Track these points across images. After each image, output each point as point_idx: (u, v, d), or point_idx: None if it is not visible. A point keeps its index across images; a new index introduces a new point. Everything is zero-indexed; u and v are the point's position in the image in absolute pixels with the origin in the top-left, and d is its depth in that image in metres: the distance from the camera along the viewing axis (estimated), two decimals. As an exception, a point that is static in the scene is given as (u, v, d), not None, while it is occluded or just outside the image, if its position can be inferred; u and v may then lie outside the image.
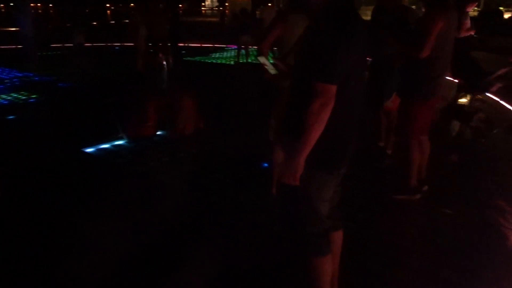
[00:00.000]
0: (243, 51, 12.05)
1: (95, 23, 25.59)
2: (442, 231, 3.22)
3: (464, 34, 6.07)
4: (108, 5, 54.52)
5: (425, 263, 2.84)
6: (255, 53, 12.22)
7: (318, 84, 1.76)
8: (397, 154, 4.64)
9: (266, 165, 4.35)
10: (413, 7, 5.95)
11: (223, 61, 12.92)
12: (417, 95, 3.42)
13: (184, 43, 13.68)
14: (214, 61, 13.01)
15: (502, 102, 7.24)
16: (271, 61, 2.24)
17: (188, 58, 12.91)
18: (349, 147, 2.01)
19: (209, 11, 65.07)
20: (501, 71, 5.25)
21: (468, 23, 6.25)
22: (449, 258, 2.88)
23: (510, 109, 6.80)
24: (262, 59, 2.18)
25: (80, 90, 8.51)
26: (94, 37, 15.40)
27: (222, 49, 14.74)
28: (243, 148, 5.01)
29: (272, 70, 2.12)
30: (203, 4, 76.08)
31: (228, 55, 14.02)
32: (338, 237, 2.26)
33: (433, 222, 3.40)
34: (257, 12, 16.85)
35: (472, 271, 2.75)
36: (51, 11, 40.02)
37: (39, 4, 40.41)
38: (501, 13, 21.17)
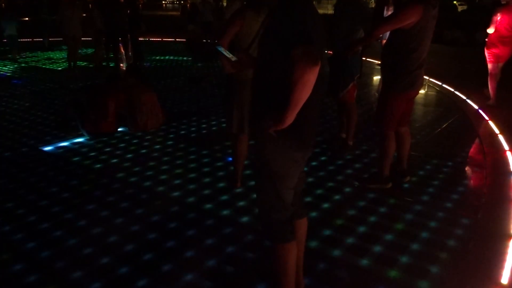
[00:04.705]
0: None
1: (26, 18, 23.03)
2: (401, 218, 3.34)
3: None
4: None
5: (386, 249, 2.93)
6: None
7: (300, 47, 1.73)
8: (358, 146, 4.78)
9: (229, 159, 4.35)
10: None
11: (184, 56, 12.74)
12: (395, 87, 3.49)
13: (145, 38, 13.39)
14: (172, 57, 12.79)
15: (456, 92, 7.56)
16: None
17: (149, 53, 12.66)
18: (315, 131, 2.08)
19: (170, 5, 64.09)
20: None
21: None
22: (408, 243, 2.99)
23: (463, 99, 7.10)
24: (221, 48, 2.19)
25: (35, 86, 8.19)
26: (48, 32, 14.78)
27: (183, 43, 14.51)
28: (206, 142, 4.99)
29: (233, 58, 2.13)
30: (163, -3, 74.75)
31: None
32: (302, 224, 2.31)
33: (393, 210, 3.51)
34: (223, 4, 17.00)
35: (427, 254, 2.87)
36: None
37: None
38: (455, 7, 22.02)
